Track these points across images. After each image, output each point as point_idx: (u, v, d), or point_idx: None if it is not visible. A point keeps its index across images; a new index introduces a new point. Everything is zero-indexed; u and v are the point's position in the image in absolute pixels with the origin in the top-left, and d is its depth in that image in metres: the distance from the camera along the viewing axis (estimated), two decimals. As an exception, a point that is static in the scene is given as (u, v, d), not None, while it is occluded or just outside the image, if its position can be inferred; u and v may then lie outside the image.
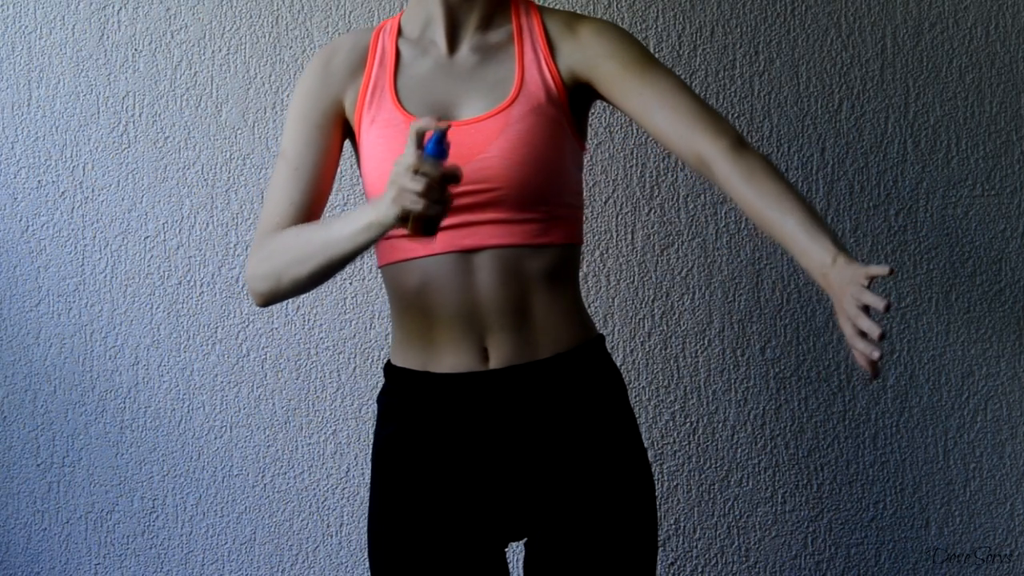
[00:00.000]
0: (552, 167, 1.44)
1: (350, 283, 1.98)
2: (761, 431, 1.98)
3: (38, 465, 2.03)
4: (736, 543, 1.99)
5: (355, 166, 1.97)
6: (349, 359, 1.99)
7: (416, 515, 1.45)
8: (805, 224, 1.33)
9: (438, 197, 1.26)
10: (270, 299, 1.48)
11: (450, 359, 1.45)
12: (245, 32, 1.98)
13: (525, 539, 1.49)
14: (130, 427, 2.01)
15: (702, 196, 1.96)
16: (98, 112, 1.99)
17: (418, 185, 1.24)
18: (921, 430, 1.98)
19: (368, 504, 1.52)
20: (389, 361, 1.52)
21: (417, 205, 1.26)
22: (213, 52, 1.98)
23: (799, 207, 1.34)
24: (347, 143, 1.55)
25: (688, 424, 1.97)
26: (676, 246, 1.97)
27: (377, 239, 1.35)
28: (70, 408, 2.02)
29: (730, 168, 1.39)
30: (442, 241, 1.42)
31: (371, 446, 1.53)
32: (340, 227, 1.38)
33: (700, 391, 1.98)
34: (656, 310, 1.97)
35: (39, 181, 2.00)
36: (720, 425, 1.98)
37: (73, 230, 2.00)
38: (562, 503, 1.44)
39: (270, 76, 1.98)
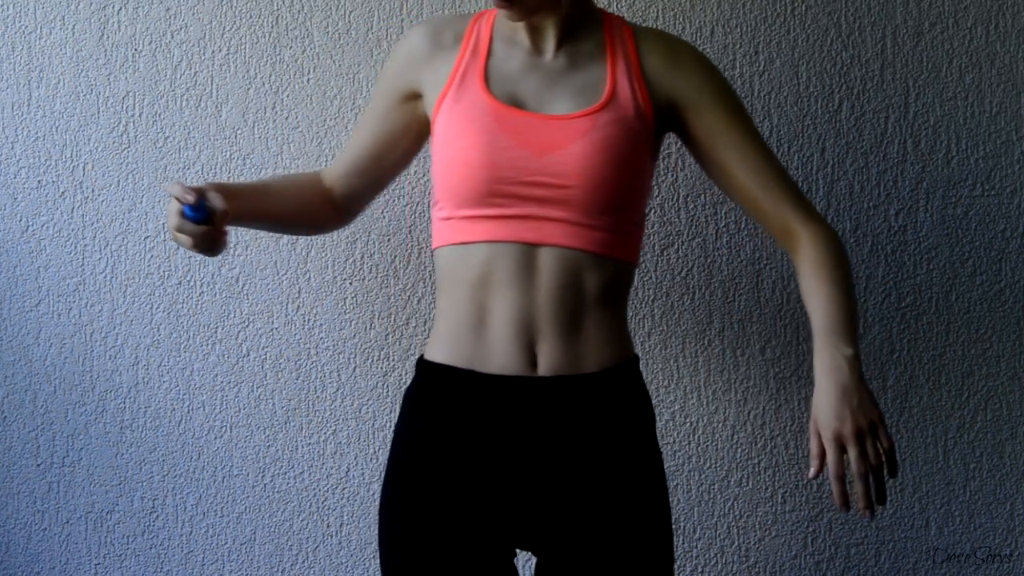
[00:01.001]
0: (628, 179, 1.45)
1: (350, 283, 1.98)
2: (761, 431, 1.98)
3: (38, 465, 2.03)
4: (736, 543, 1.99)
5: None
6: (349, 359, 1.99)
7: (438, 513, 1.45)
8: (823, 314, 1.45)
9: (205, 246, 1.41)
10: None
11: (499, 360, 1.44)
12: (245, 32, 1.98)
13: (534, 550, 1.49)
14: (130, 427, 2.01)
15: (702, 196, 1.96)
16: (98, 112, 1.99)
17: (184, 242, 1.40)
18: (921, 430, 1.98)
19: (381, 497, 1.51)
20: (423, 356, 1.51)
21: (191, 250, 1.42)
22: (213, 52, 1.98)
23: (828, 297, 1.45)
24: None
25: (688, 424, 1.97)
26: (676, 246, 1.97)
27: None
28: (70, 408, 2.02)
29: (815, 251, 1.48)
30: (508, 230, 1.44)
31: (392, 439, 1.53)
32: None
33: (700, 391, 1.98)
34: (656, 310, 1.97)
35: (39, 181, 2.00)
36: (720, 425, 1.98)
37: (73, 230, 2.00)
38: (585, 519, 1.44)
39: (270, 76, 1.98)
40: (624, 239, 1.47)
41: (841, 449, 1.37)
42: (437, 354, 1.49)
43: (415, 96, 1.56)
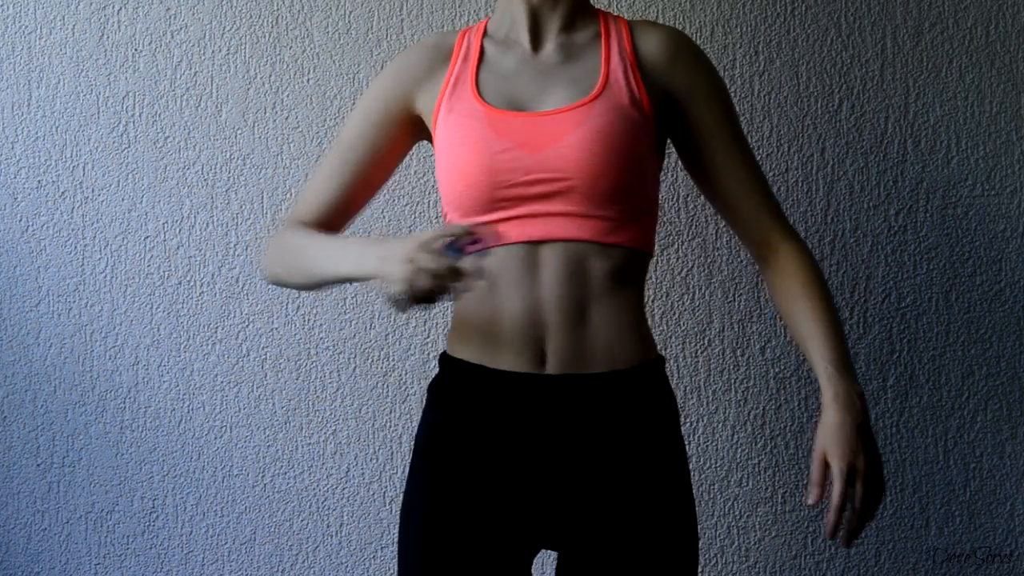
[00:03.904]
0: (627, 166, 1.44)
1: (350, 283, 1.98)
2: (761, 431, 1.98)
3: (38, 465, 2.03)
4: (736, 543, 1.99)
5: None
6: (349, 359, 1.99)
7: (451, 506, 1.45)
8: (830, 346, 1.44)
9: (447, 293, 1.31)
10: (278, 284, 1.61)
11: (508, 357, 1.44)
12: (245, 32, 1.98)
13: (555, 550, 1.49)
14: (130, 427, 2.01)
15: (702, 196, 1.95)
16: (98, 112, 1.99)
17: (441, 285, 1.28)
18: (921, 430, 1.98)
19: (405, 487, 1.51)
20: (445, 352, 1.52)
21: (430, 299, 1.30)
22: (213, 52, 1.98)
23: (827, 326, 1.45)
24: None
25: (688, 424, 1.97)
26: (676, 246, 1.96)
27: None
28: (70, 408, 2.02)
29: (792, 269, 1.49)
30: (514, 231, 1.43)
31: (415, 432, 1.53)
32: (334, 254, 1.45)
33: (700, 391, 1.98)
34: (656, 310, 1.97)
35: (39, 181, 2.00)
36: (720, 425, 1.98)
37: (73, 230, 2.00)
38: (597, 522, 1.43)
39: (270, 76, 1.98)
40: (631, 225, 1.46)
41: (848, 482, 1.37)
42: (455, 349, 1.50)
43: (408, 114, 1.54)
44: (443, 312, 1.97)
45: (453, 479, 1.45)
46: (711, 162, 1.51)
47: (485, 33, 1.54)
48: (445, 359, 1.52)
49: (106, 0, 1.98)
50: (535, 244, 1.43)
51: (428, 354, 1.98)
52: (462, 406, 1.47)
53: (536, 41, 1.51)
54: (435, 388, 1.53)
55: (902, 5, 1.95)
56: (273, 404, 2.00)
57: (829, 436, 1.39)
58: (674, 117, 1.51)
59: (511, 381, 1.44)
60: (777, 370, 1.97)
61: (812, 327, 1.46)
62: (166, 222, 1.99)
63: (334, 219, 1.57)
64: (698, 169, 1.53)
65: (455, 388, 1.49)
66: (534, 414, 1.43)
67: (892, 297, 1.96)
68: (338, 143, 1.56)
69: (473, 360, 1.46)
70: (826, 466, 1.38)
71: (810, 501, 1.38)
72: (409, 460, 1.58)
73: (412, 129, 1.56)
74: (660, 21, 1.94)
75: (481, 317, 1.46)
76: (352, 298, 1.98)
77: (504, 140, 1.43)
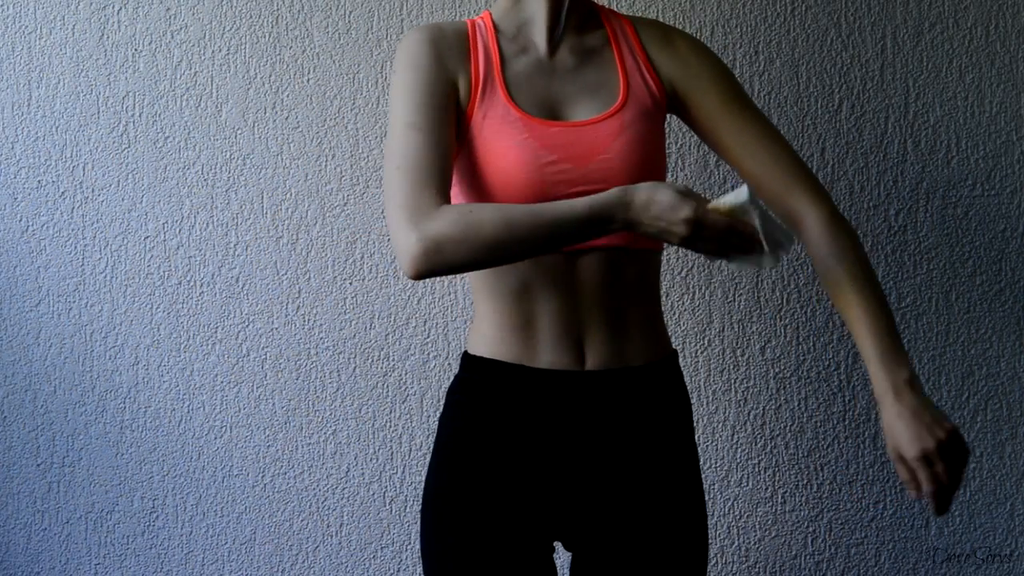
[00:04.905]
0: (658, 170, 1.48)
1: (350, 283, 1.98)
2: (761, 431, 1.98)
3: (38, 465, 2.03)
4: (736, 543, 1.99)
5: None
6: (349, 359, 1.99)
7: (485, 503, 1.45)
8: (872, 340, 1.42)
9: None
10: (443, 268, 1.35)
11: (548, 356, 1.45)
12: (245, 32, 1.98)
13: (577, 541, 1.50)
14: (130, 427, 2.01)
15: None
16: (98, 112, 1.99)
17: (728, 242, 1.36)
18: (921, 430, 1.98)
19: (427, 488, 1.50)
20: (467, 352, 1.51)
21: (718, 255, 1.38)
22: (213, 52, 1.98)
23: (870, 315, 1.42)
24: None
25: (688, 424, 1.97)
26: (676, 246, 1.96)
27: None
28: (70, 408, 2.02)
29: (824, 241, 1.47)
30: None
31: (438, 433, 1.52)
32: (561, 204, 1.35)
33: (700, 391, 1.98)
34: (656, 310, 1.97)
35: (39, 181, 2.00)
36: (720, 425, 1.98)
37: (73, 230, 2.00)
38: (628, 512, 1.46)
39: (270, 76, 1.98)
40: None
41: (928, 465, 1.37)
42: (483, 350, 1.48)
43: (455, 94, 1.45)
44: (441, 313, 1.97)
45: (489, 481, 1.45)
46: (724, 147, 1.51)
47: (497, 30, 1.49)
48: (471, 359, 1.50)
49: (106, 0, 1.98)
50: (574, 252, 1.44)
51: (428, 354, 1.98)
52: (497, 405, 1.47)
53: (552, 43, 1.49)
54: (461, 388, 1.51)
55: (902, 5, 1.95)
56: (273, 404, 2.00)
57: (893, 434, 1.39)
58: (681, 102, 1.52)
59: (553, 378, 1.45)
60: (777, 370, 1.97)
61: (851, 312, 1.44)
62: (166, 222, 1.99)
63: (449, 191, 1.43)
64: (720, 154, 1.54)
65: (487, 388, 1.48)
66: (576, 409, 1.45)
67: (892, 297, 1.96)
68: (413, 128, 1.40)
69: (510, 360, 1.46)
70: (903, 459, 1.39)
71: (914, 497, 1.39)
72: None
73: (457, 112, 1.45)
74: (660, 21, 1.94)
75: (515, 322, 1.46)
76: (352, 298, 1.98)
77: (550, 153, 1.42)
